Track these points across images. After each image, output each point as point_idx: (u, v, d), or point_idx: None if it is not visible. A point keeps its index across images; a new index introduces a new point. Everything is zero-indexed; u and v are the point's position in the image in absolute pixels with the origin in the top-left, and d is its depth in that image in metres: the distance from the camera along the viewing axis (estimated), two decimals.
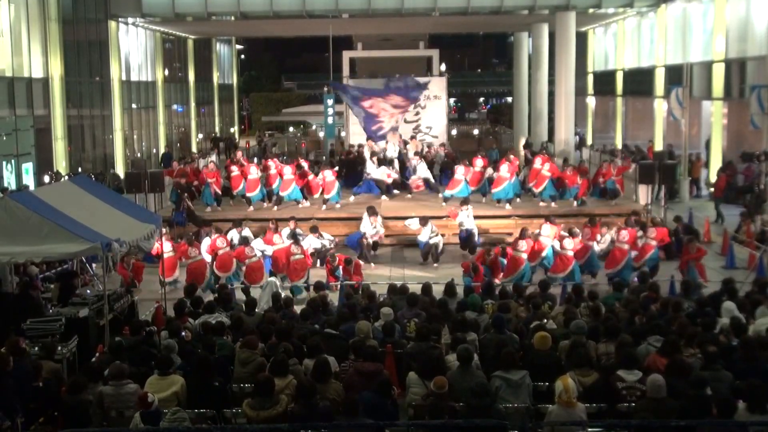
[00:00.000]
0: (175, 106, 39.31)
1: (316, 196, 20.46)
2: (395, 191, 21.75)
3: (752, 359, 8.08)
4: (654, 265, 15.32)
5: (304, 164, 20.88)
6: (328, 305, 11.45)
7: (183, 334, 9.57)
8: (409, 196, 21.50)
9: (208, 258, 15.22)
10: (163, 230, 15.62)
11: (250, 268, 14.97)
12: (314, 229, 16.65)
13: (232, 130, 49.75)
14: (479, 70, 75.86)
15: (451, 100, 54.71)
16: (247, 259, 14.99)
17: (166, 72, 37.55)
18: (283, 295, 12.54)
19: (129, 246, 11.31)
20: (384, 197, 21.07)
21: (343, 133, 31.75)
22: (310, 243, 16.23)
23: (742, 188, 21.98)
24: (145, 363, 8.58)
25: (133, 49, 33.43)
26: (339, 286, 14.20)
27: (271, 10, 28.77)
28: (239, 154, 23.94)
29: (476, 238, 17.57)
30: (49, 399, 8.09)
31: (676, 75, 27.72)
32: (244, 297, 12.90)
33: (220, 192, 20.66)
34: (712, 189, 23.08)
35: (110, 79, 30.24)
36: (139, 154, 33.09)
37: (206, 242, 15.46)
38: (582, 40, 38.01)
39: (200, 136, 42.88)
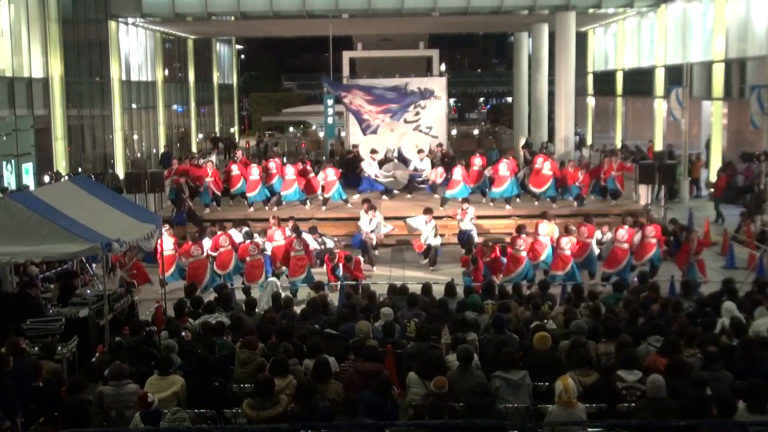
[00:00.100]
0: (175, 106, 39.31)
1: (318, 193, 20.43)
2: (395, 191, 21.76)
3: (752, 359, 8.08)
4: (654, 264, 15.30)
5: (308, 167, 20.86)
6: (328, 305, 11.45)
7: (183, 334, 9.57)
8: (408, 196, 21.51)
9: (213, 253, 15.21)
10: (168, 228, 15.72)
11: (250, 265, 14.97)
12: (313, 230, 16.62)
13: (232, 130, 49.76)
14: (479, 70, 75.82)
15: (451, 100, 54.69)
16: (248, 257, 15.00)
17: (166, 72, 37.56)
18: (283, 295, 12.54)
19: (129, 246, 11.34)
20: (384, 197, 21.08)
21: (343, 133, 31.75)
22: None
23: (742, 188, 21.97)
24: (145, 363, 8.58)
25: (133, 49, 33.44)
26: (339, 285, 14.19)
27: (271, 10, 28.77)
28: (239, 153, 23.95)
29: (475, 240, 17.54)
30: (49, 399, 8.09)
31: (676, 75, 27.73)
32: (245, 297, 12.90)
33: (218, 192, 20.65)
34: (712, 189, 23.08)
35: (110, 79, 30.24)
36: (139, 154, 33.09)
37: (207, 241, 15.45)
38: (582, 40, 38.01)
39: (200, 136, 42.89)
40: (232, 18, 30.43)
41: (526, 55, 38.45)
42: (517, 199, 20.35)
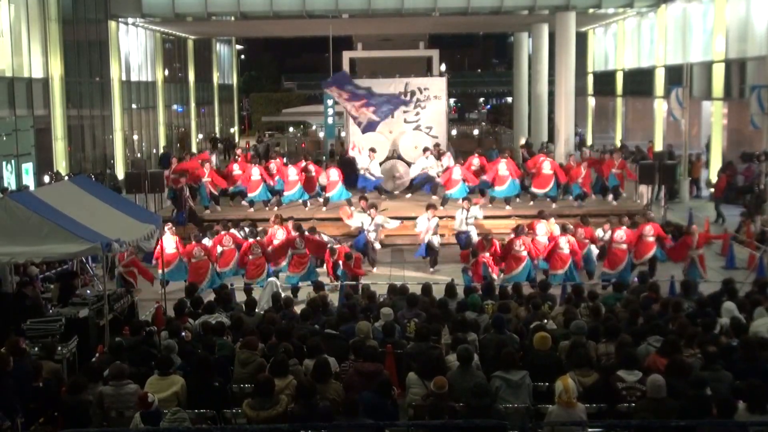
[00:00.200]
0: (175, 107, 39.31)
1: (318, 190, 20.42)
2: (396, 192, 21.75)
3: (752, 359, 8.09)
4: (653, 262, 15.30)
5: (311, 167, 20.84)
6: (328, 305, 11.45)
7: (183, 334, 9.57)
8: (408, 195, 21.51)
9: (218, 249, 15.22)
10: (171, 226, 15.72)
11: (252, 264, 14.98)
12: (313, 230, 16.60)
13: (232, 130, 49.76)
14: (479, 71, 75.80)
15: (451, 101, 54.67)
16: (250, 255, 15.00)
17: (166, 72, 37.56)
18: (283, 295, 12.54)
19: (129, 246, 11.35)
20: (382, 196, 21.06)
21: (343, 133, 31.73)
22: None
23: (742, 188, 21.98)
24: (145, 363, 8.58)
25: (133, 49, 33.44)
26: (339, 286, 14.18)
27: (271, 10, 28.77)
28: (239, 152, 23.95)
29: (474, 240, 17.54)
30: (49, 399, 8.09)
31: (676, 75, 27.73)
32: (245, 297, 12.88)
33: (216, 192, 20.68)
34: (713, 189, 23.08)
35: (110, 80, 30.25)
36: (139, 155, 33.10)
37: (208, 241, 15.44)
38: (582, 40, 38.02)
39: (200, 136, 42.88)
40: (232, 18, 30.42)
41: (526, 55, 38.45)
42: (517, 199, 20.34)
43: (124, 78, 31.57)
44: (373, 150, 21.55)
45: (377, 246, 17.22)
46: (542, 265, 15.06)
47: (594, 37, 41.34)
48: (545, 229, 15.49)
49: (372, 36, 38.14)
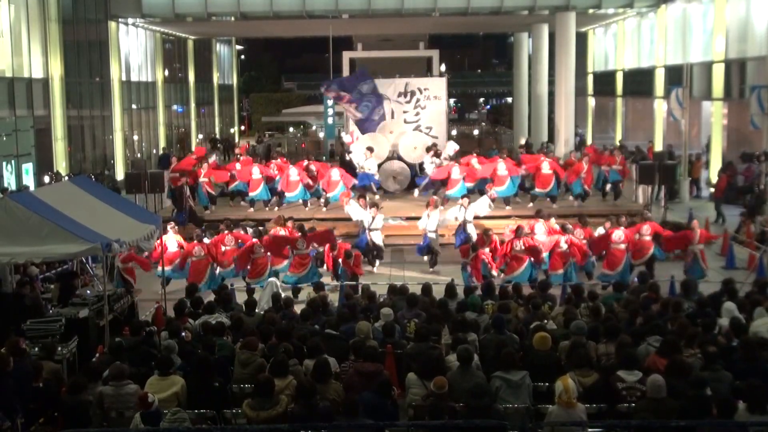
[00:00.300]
0: (175, 107, 39.32)
1: (320, 189, 20.43)
2: (396, 192, 21.77)
3: (752, 359, 8.09)
4: (651, 262, 15.31)
5: (313, 166, 20.88)
6: (328, 306, 11.45)
7: (183, 334, 9.57)
8: (416, 194, 21.57)
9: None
10: (173, 226, 15.73)
11: (255, 264, 14.98)
12: (312, 230, 16.61)
13: (232, 130, 49.75)
14: (479, 71, 75.77)
15: (451, 101, 54.66)
16: (253, 255, 15.01)
17: (166, 72, 37.57)
18: (283, 295, 12.54)
19: (129, 246, 11.35)
20: (377, 196, 21.08)
21: (342, 134, 31.75)
22: None
23: (742, 188, 21.98)
24: (145, 363, 8.58)
25: (133, 49, 33.45)
26: (339, 286, 14.18)
27: (271, 10, 28.78)
28: (239, 151, 24.00)
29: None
30: (49, 399, 8.09)
31: (676, 75, 27.73)
32: (245, 297, 12.88)
33: (213, 192, 20.70)
34: (713, 189, 23.07)
35: (110, 80, 30.26)
36: (139, 155, 33.10)
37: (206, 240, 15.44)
38: (582, 40, 38.02)
39: (200, 136, 42.88)
40: (232, 18, 30.43)
41: (526, 56, 38.45)
42: (517, 199, 20.35)
43: (124, 78, 31.58)
44: (370, 149, 21.57)
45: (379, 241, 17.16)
46: (543, 265, 15.05)
47: (594, 37, 41.35)
48: (544, 229, 15.48)
49: (372, 36, 38.13)
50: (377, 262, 17.00)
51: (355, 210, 17.07)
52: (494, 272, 14.82)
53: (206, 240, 15.43)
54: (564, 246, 14.81)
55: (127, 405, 7.61)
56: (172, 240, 15.19)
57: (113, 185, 24.27)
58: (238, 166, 21.09)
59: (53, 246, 9.96)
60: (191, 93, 41.65)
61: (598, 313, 10.01)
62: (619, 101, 37.69)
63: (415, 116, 23.91)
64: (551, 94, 31.73)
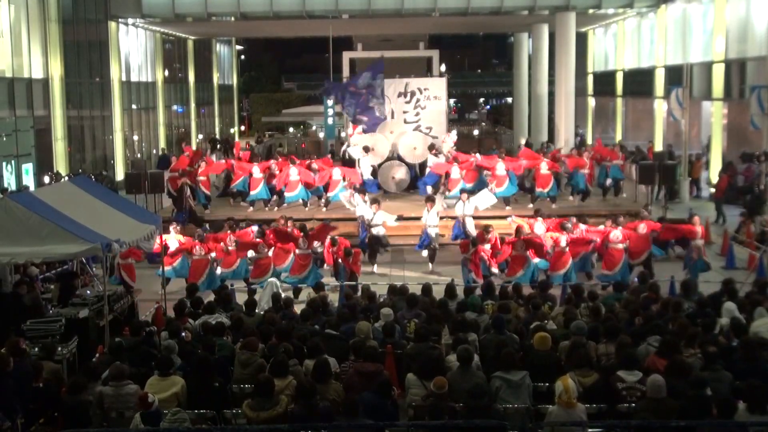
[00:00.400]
0: (175, 107, 39.30)
1: (320, 188, 20.46)
2: (396, 192, 21.77)
3: (752, 359, 8.09)
4: (649, 261, 15.30)
5: (315, 165, 20.95)
6: (328, 306, 11.45)
7: (183, 334, 9.57)
8: (422, 194, 21.60)
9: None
10: (175, 225, 15.72)
11: (258, 263, 14.98)
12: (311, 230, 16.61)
13: (232, 130, 49.74)
14: (479, 71, 75.77)
15: (451, 101, 54.67)
16: (256, 254, 15.01)
17: (166, 73, 37.56)
18: (283, 295, 12.54)
19: (129, 247, 11.36)
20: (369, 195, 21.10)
21: (343, 134, 31.77)
22: None
23: (742, 188, 21.98)
24: (145, 364, 8.58)
25: (133, 49, 33.44)
26: (339, 286, 14.19)
27: (271, 10, 28.77)
28: (238, 149, 24.04)
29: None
30: (49, 399, 8.09)
31: (676, 75, 27.73)
32: (246, 297, 12.88)
33: (208, 192, 20.76)
34: (713, 190, 23.07)
35: (110, 80, 30.25)
36: (139, 155, 33.09)
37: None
38: (582, 40, 38.01)
39: (200, 136, 42.88)
40: (232, 18, 30.42)
41: (526, 56, 38.45)
42: (515, 198, 20.35)
43: (124, 78, 31.56)
44: (366, 149, 21.61)
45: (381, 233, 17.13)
46: (543, 264, 15.03)
47: (594, 37, 41.34)
48: (543, 228, 15.47)
49: (372, 36, 38.12)
50: (376, 264, 17.00)
51: (359, 204, 17.12)
52: (494, 270, 14.80)
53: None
54: (564, 244, 14.77)
55: (127, 405, 7.61)
56: (173, 240, 15.19)
57: (111, 185, 24.27)
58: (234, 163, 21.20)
59: (53, 246, 9.96)
60: (191, 93, 41.64)
61: (598, 313, 10.01)
62: (619, 101, 37.69)
63: (415, 116, 23.91)
64: (551, 94, 31.72)
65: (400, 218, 18.01)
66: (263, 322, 10.15)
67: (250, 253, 15.41)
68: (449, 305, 10.97)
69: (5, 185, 22.96)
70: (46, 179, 23.73)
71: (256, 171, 20.52)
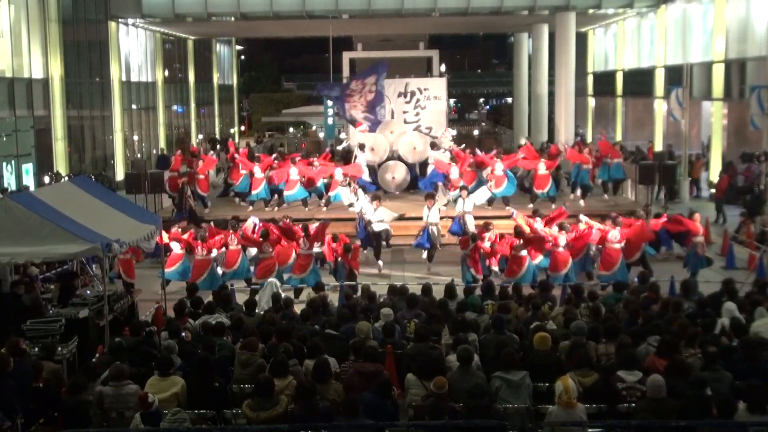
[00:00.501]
0: (175, 107, 39.33)
1: (321, 188, 20.49)
2: (397, 192, 21.78)
3: (752, 359, 8.08)
4: (644, 259, 15.30)
5: (316, 162, 21.01)
6: (328, 306, 11.45)
7: (183, 334, 9.57)
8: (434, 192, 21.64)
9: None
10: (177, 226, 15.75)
11: (262, 264, 15.00)
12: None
13: (232, 130, 49.76)
14: (479, 71, 75.88)
15: (451, 101, 54.69)
16: (261, 255, 15.02)
17: (166, 73, 37.57)
18: (283, 295, 12.53)
19: (129, 247, 11.36)
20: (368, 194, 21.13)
21: (342, 134, 31.79)
22: None
23: (742, 188, 21.98)
24: (145, 364, 8.57)
25: (133, 49, 33.46)
26: (339, 286, 14.19)
27: (271, 10, 28.79)
28: (242, 147, 24.11)
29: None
30: (49, 399, 8.09)
31: (676, 75, 27.74)
32: (246, 297, 12.87)
33: (205, 193, 20.80)
34: (714, 190, 23.07)
35: (110, 80, 30.27)
36: (139, 155, 33.11)
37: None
38: (582, 40, 38.02)
39: (200, 137, 42.89)
40: (232, 18, 30.44)
41: (526, 56, 38.47)
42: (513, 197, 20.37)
43: (124, 78, 31.58)
44: (362, 146, 21.65)
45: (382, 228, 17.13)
46: (543, 263, 15.00)
47: (594, 37, 41.35)
48: (542, 227, 15.44)
49: (372, 36, 38.17)
50: (381, 262, 16.97)
51: (360, 199, 17.12)
52: (495, 268, 14.77)
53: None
54: (563, 245, 14.74)
55: (127, 405, 7.61)
56: (175, 245, 15.18)
57: (109, 185, 24.30)
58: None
59: (53, 246, 9.96)
60: (191, 93, 41.65)
61: (598, 313, 10.00)
62: (619, 101, 37.70)
63: (415, 116, 23.91)
64: (551, 94, 31.74)
65: (401, 218, 18.01)
66: (263, 322, 10.14)
67: (254, 251, 15.45)
68: (449, 305, 10.97)
69: (5, 185, 22.97)
70: (46, 179, 23.74)
71: (258, 171, 20.54)
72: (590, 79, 42.04)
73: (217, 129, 46.40)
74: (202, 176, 20.59)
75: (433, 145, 22.04)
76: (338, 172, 20.14)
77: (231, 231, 15.45)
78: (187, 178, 20.13)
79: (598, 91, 41.48)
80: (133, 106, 33.26)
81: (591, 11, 29.74)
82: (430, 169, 21.52)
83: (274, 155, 23.10)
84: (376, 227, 16.93)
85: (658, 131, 31.63)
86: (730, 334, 9.17)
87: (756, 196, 20.88)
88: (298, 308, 11.61)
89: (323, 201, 20.47)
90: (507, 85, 53.67)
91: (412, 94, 23.93)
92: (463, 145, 23.29)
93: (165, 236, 14.66)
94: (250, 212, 20.01)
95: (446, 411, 7.14)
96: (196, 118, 42.32)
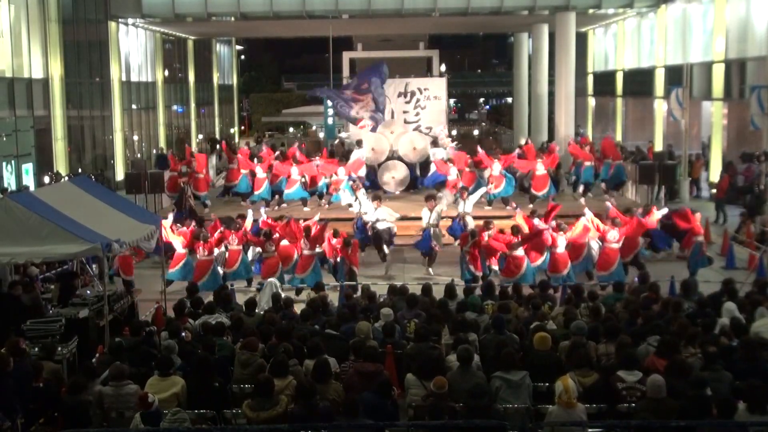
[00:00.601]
0: (175, 107, 39.31)
1: (322, 183, 20.49)
2: (397, 192, 21.79)
3: (752, 359, 8.09)
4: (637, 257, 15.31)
5: (318, 161, 21.07)
6: (328, 306, 11.46)
7: (183, 334, 9.57)
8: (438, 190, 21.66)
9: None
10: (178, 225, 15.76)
11: (266, 263, 15.00)
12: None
13: (232, 130, 49.76)
14: (479, 71, 75.92)
15: (451, 101, 54.73)
16: (264, 254, 15.02)
17: (166, 73, 37.56)
18: (283, 295, 12.53)
19: (129, 246, 11.36)
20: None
21: (342, 134, 31.81)
22: None
23: (742, 188, 21.98)
24: (145, 364, 8.58)
25: (133, 49, 33.45)
26: (339, 286, 14.19)
27: (271, 10, 28.78)
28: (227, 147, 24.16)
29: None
30: (49, 399, 8.09)
31: (676, 75, 27.73)
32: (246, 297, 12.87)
33: (202, 193, 20.84)
34: (715, 190, 23.07)
35: (110, 80, 30.26)
36: (139, 155, 33.11)
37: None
38: (582, 40, 38.02)
39: (200, 136, 42.89)
40: (232, 18, 30.44)
41: (526, 56, 38.47)
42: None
43: (124, 78, 31.57)
44: (359, 143, 21.67)
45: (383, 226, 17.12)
46: (543, 265, 14.98)
47: (594, 37, 41.34)
48: (542, 223, 15.41)
49: (372, 36, 38.17)
50: (388, 257, 16.93)
51: (360, 198, 17.13)
52: (495, 267, 14.75)
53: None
54: (563, 247, 14.73)
55: (127, 405, 7.61)
56: (177, 241, 15.19)
57: (108, 186, 24.29)
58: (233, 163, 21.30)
59: (53, 246, 9.96)
60: (191, 93, 41.64)
61: (598, 313, 10.00)
62: (619, 101, 37.69)
63: (415, 116, 23.95)
64: (551, 94, 31.73)
65: (404, 218, 18.01)
66: (263, 322, 10.14)
67: (257, 250, 15.46)
68: (449, 305, 10.97)
69: (5, 185, 22.96)
70: (46, 179, 23.73)
71: (260, 171, 20.57)
72: (590, 79, 42.04)
73: (217, 129, 46.38)
74: (201, 175, 20.61)
75: (435, 143, 22.06)
76: (341, 171, 20.15)
77: (233, 230, 15.46)
78: (187, 178, 20.14)
79: (598, 91, 41.47)
80: (133, 106, 33.26)
81: (591, 11, 29.73)
82: (432, 168, 21.53)
83: (276, 154, 23.09)
84: (378, 226, 16.89)
85: (658, 131, 31.63)
86: (730, 334, 9.17)
87: (756, 196, 20.88)
88: (298, 308, 11.60)
89: (323, 201, 20.47)
90: (507, 85, 53.69)
91: (412, 94, 23.98)
92: (459, 144, 23.29)
93: (169, 232, 14.74)
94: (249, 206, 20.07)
95: (446, 411, 7.14)
96: (196, 118, 42.30)
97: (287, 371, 7.89)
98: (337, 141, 28.55)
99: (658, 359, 8.14)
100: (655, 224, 15.52)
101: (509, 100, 54.19)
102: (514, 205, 16.41)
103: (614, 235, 14.97)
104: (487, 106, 70.42)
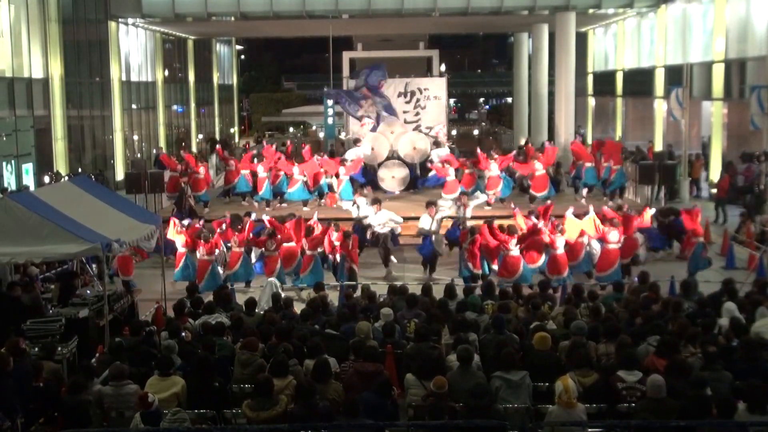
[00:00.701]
0: (175, 107, 39.30)
1: (323, 182, 20.50)
2: (397, 192, 21.78)
3: (752, 359, 8.09)
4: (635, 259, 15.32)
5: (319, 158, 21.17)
6: (328, 306, 11.46)
7: (183, 334, 9.57)
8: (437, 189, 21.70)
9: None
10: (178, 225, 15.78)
11: (269, 261, 15.01)
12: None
13: (232, 130, 49.76)
14: (479, 71, 75.91)
15: (451, 101, 54.73)
16: (266, 253, 15.03)
17: (166, 72, 37.55)
18: (283, 295, 12.54)
19: (129, 246, 11.36)
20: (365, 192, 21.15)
21: (342, 134, 31.82)
22: None
23: (742, 188, 21.98)
24: (145, 363, 8.58)
25: (133, 49, 33.44)
26: (339, 286, 14.20)
27: (271, 10, 28.77)
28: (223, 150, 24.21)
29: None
30: (49, 399, 8.09)
31: (676, 75, 27.73)
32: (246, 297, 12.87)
33: (200, 193, 20.86)
34: (715, 190, 23.07)
35: (110, 80, 30.24)
36: (138, 155, 33.10)
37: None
38: (582, 40, 38.01)
39: (200, 136, 42.89)
40: (232, 18, 30.43)
41: (526, 56, 38.46)
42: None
43: (124, 78, 31.56)
44: (357, 141, 21.68)
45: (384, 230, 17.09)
46: (543, 267, 14.97)
47: (594, 37, 41.33)
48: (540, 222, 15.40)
49: (372, 36, 38.16)
50: (393, 259, 16.92)
51: (360, 204, 17.14)
52: (495, 267, 14.75)
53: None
54: (562, 247, 14.72)
55: (127, 405, 7.61)
56: (179, 240, 15.19)
57: (108, 186, 24.30)
58: (231, 163, 21.29)
59: (53, 246, 9.97)
60: (191, 93, 41.63)
61: (598, 313, 10.01)
62: (619, 101, 37.69)
63: (415, 116, 23.93)
64: (551, 94, 31.72)
65: (405, 218, 18.01)
66: (263, 322, 10.15)
67: (259, 250, 15.48)
68: (449, 305, 10.97)
69: (5, 185, 22.95)
70: (46, 179, 23.72)
71: (261, 171, 20.59)
72: (590, 79, 42.03)
73: (217, 129, 46.38)
74: (200, 175, 20.63)
75: (436, 143, 22.04)
76: (342, 171, 20.18)
77: (236, 231, 15.47)
78: (188, 178, 20.16)
79: (598, 90, 41.46)
80: (133, 106, 33.24)
81: (591, 11, 29.73)
82: (432, 172, 21.53)
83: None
84: (379, 231, 16.86)
85: (658, 131, 31.63)
86: (729, 334, 9.17)
87: (756, 195, 20.88)
88: (298, 308, 11.61)
89: (323, 201, 20.49)
90: (507, 85, 53.68)
91: (412, 93, 23.96)
92: (453, 146, 23.30)
93: (172, 229, 14.76)
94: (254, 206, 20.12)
95: (446, 411, 7.14)
96: (196, 118, 42.29)
97: (287, 371, 7.89)
98: (336, 140, 28.60)
99: (658, 359, 8.14)
100: (649, 223, 15.55)
101: (509, 100, 54.17)
102: (513, 205, 16.39)
103: (615, 236, 14.98)
104: (487, 106, 70.35)
